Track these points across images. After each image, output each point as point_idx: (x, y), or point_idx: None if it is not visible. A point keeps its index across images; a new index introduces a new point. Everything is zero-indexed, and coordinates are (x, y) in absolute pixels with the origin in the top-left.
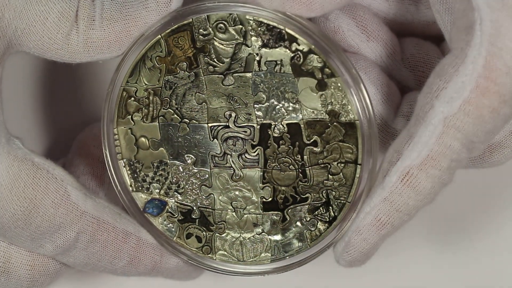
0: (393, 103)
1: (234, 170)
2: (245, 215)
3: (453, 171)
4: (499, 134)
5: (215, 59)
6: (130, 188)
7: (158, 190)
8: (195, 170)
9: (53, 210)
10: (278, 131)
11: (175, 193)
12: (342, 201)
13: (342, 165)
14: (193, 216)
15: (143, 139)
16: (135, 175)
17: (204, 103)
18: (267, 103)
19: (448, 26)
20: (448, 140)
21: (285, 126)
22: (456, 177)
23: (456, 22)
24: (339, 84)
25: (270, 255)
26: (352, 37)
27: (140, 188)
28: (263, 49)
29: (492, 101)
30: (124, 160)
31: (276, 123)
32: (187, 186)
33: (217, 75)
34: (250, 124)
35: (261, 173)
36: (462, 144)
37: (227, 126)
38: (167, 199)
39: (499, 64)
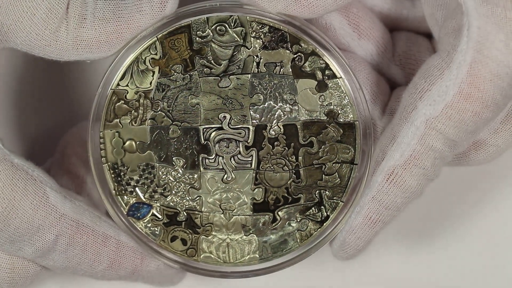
0: (382, 102)
1: (225, 172)
2: (234, 217)
3: (438, 167)
4: (484, 133)
5: (212, 61)
6: (114, 192)
7: (143, 194)
8: (184, 173)
9: (31, 211)
10: (274, 132)
11: (161, 196)
12: (335, 201)
13: (338, 165)
14: (179, 219)
15: (130, 142)
16: (119, 179)
17: (197, 105)
18: (263, 105)
19: (440, 21)
20: (430, 141)
21: (281, 127)
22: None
23: (445, 21)
24: (340, 85)
25: (258, 256)
26: (343, 35)
27: (123, 192)
28: (263, 51)
29: (474, 106)
30: (109, 163)
31: (272, 124)
32: (174, 189)
33: (213, 77)
34: (245, 126)
35: (254, 174)
36: (444, 144)
37: (221, 128)
38: (152, 202)
39: (483, 71)
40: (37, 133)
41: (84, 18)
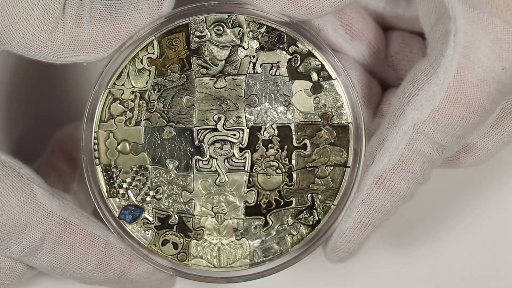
0: (372, 105)
1: (219, 175)
2: (226, 220)
3: (427, 171)
4: (474, 136)
5: (208, 61)
6: (106, 195)
7: (135, 197)
8: (177, 175)
9: (18, 208)
10: (268, 134)
11: (153, 199)
12: (327, 204)
13: (331, 168)
14: (171, 222)
15: (124, 143)
16: (111, 181)
17: (193, 106)
18: (259, 106)
19: (433, 23)
20: (418, 145)
21: (275, 129)
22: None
23: (434, 26)
24: (335, 87)
25: (249, 260)
26: (336, 37)
27: (115, 194)
28: (260, 51)
29: (461, 111)
30: (102, 165)
31: (267, 126)
32: (167, 192)
33: (209, 77)
34: (239, 127)
35: (247, 177)
36: (432, 148)
37: (215, 129)
38: (144, 205)
39: (470, 76)
40: (28, 132)
41: (81, 18)
